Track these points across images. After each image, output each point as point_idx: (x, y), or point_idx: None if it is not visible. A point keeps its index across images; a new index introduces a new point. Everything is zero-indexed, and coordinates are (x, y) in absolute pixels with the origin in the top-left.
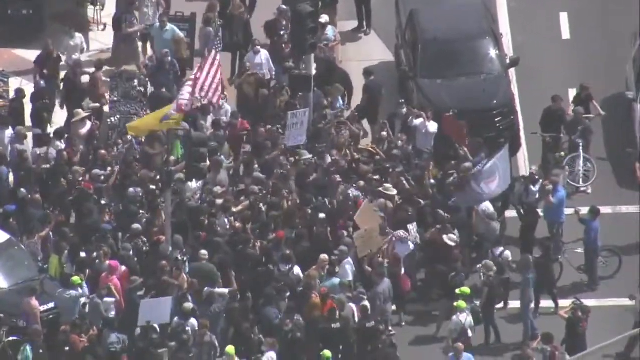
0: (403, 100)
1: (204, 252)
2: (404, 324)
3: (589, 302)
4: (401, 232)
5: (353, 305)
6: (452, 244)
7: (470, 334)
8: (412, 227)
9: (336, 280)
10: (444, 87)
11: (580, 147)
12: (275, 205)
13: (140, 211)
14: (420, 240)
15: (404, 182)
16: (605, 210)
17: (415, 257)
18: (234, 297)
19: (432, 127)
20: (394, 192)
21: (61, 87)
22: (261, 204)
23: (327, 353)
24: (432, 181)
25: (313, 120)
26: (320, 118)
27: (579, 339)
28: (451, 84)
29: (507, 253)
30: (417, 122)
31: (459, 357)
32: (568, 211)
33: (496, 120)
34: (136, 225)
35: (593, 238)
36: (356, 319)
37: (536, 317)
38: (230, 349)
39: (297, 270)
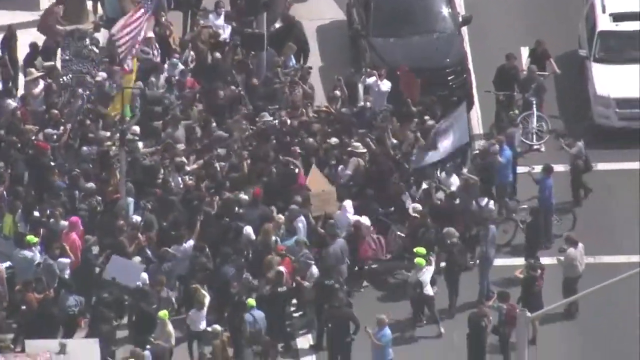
0: (364, 64)
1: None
2: (362, 290)
3: (543, 260)
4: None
5: (283, 268)
6: (415, 214)
7: (430, 291)
8: (406, 197)
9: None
10: (397, 45)
11: (534, 105)
12: (235, 167)
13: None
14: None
15: (369, 142)
16: (558, 168)
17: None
18: (200, 250)
19: (385, 85)
20: (364, 149)
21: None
22: (216, 163)
23: (252, 301)
24: (394, 140)
25: (267, 80)
26: (274, 76)
27: (535, 298)
28: (404, 43)
29: (492, 203)
30: (370, 80)
31: (381, 328)
32: (522, 169)
33: (449, 78)
34: (90, 184)
35: (547, 196)
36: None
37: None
38: (163, 313)
39: (249, 230)
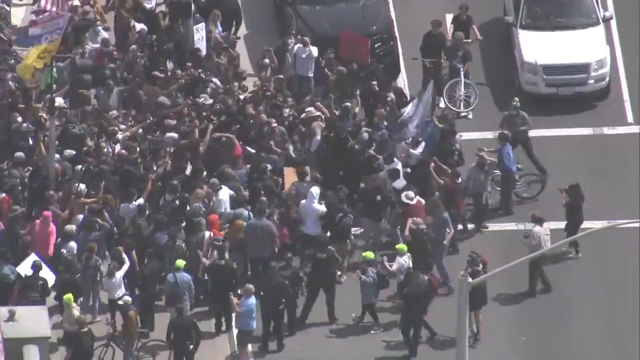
0: (293, 31)
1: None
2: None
3: (508, 226)
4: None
5: (207, 233)
6: (408, 201)
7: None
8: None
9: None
10: (323, 13)
11: (461, 72)
12: (186, 134)
13: None
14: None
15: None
16: (486, 135)
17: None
18: (142, 211)
19: (314, 51)
20: (317, 112)
21: None
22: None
23: (179, 262)
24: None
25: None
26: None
27: (480, 291)
28: (330, 10)
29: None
30: (297, 47)
31: (246, 297)
32: None
33: (376, 46)
34: (19, 154)
35: (507, 164)
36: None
37: None
38: (67, 297)
39: None
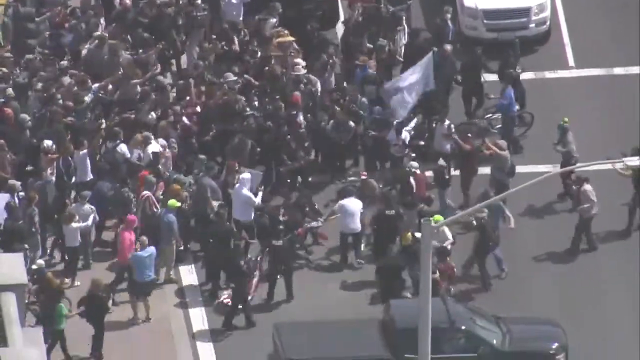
0: None
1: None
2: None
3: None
4: None
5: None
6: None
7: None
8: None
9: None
10: None
11: (404, 20)
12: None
13: None
14: None
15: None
16: None
17: None
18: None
19: None
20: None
21: None
22: None
23: (172, 202)
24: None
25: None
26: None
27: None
28: None
29: None
30: None
31: (141, 249)
32: None
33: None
34: None
35: (506, 104)
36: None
37: None
38: None
39: (123, 148)
